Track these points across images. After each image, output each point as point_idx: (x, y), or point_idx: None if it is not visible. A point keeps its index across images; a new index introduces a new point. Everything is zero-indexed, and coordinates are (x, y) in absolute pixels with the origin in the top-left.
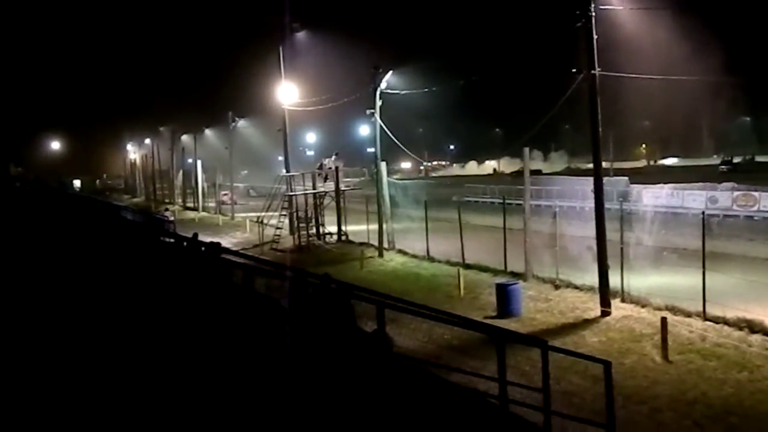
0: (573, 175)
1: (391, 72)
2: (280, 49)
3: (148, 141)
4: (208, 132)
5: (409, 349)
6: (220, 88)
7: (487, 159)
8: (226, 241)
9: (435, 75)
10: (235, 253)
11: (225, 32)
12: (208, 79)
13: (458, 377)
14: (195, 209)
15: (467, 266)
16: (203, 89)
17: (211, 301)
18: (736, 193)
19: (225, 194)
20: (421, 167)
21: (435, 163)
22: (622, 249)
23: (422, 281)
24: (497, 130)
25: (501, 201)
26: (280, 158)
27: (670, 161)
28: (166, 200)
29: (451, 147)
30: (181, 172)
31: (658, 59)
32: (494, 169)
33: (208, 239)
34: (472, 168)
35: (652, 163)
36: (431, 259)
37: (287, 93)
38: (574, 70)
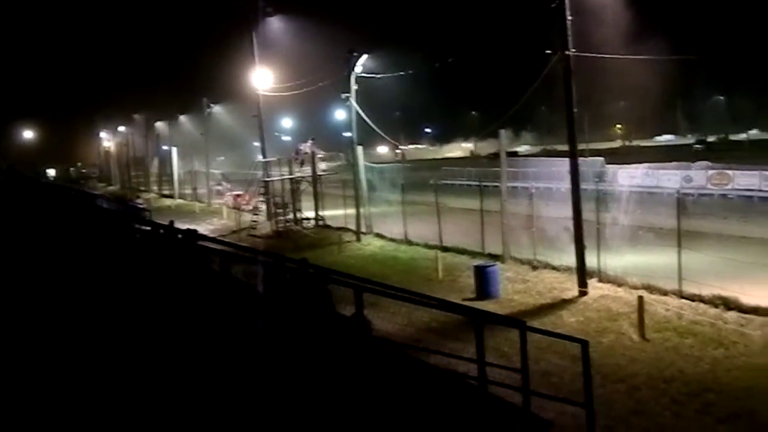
0: (549, 156)
1: (366, 56)
2: (253, 34)
3: (122, 128)
4: (183, 119)
5: (388, 333)
6: (194, 75)
7: (464, 142)
8: (203, 228)
9: (411, 58)
10: (212, 239)
11: (198, 17)
12: (182, 65)
13: (438, 359)
14: (171, 196)
15: (445, 249)
16: (177, 76)
17: (188, 287)
18: (710, 172)
19: (219, 186)
20: (397, 151)
21: (412, 146)
22: (598, 229)
23: (400, 265)
24: (473, 112)
25: (478, 183)
26: (257, 144)
27: (665, 138)
28: (142, 188)
29: (428, 130)
30: (156, 159)
31: (632, 39)
32: (471, 152)
33: (185, 226)
34: (448, 151)
35: (627, 143)
36: (409, 243)
37: (261, 78)
38: (548, 52)
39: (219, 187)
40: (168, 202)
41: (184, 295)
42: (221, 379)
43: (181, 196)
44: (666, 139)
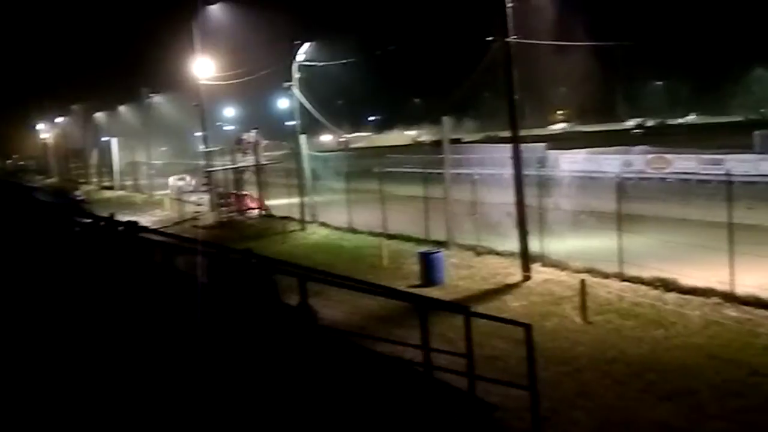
0: (492, 143)
1: (308, 44)
2: (193, 22)
3: (60, 120)
4: (122, 109)
5: (335, 321)
6: (134, 64)
7: (408, 129)
8: (145, 220)
9: (354, 46)
10: (155, 231)
11: (138, 5)
12: (122, 54)
13: (385, 347)
14: (112, 188)
15: (390, 236)
16: (117, 65)
17: (129, 280)
18: (649, 156)
19: (182, 181)
20: (341, 139)
21: (356, 134)
22: (541, 214)
23: (346, 253)
24: (417, 100)
25: (422, 171)
26: (199, 134)
27: (690, 118)
28: (81, 180)
29: (372, 118)
30: (95, 150)
31: (572, 26)
32: (414, 139)
33: (126, 218)
34: (392, 138)
35: (569, 128)
36: (354, 231)
37: (202, 67)
38: (488, 39)
39: (181, 183)
40: (108, 193)
41: (124, 288)
42: (156, 370)
43: (123, 188)
44: (606, 125)
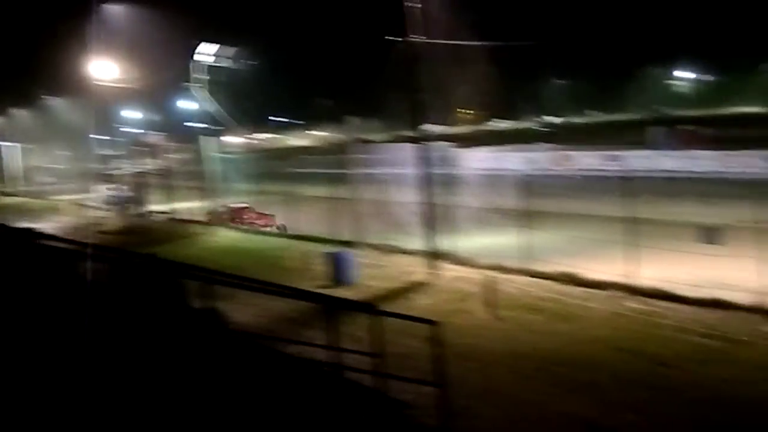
0: (400, 142)
1: (213, 46)
2: (90, 23)
3: None
4: (19, 112)
5: (243, 324)
6: (32, 67)
7: (317, 130)
8: (47, 226)
9: (262, 47)
10: (54, 237)
11: (34, 6)
12: (18, 57)
13: (295, 348)
14: (8, 194)
15: (300, 238)
16: (12, 68)
17: (23, 288)
18: (553, 154)
19: (112, 191)
20: (249, 141)
21: (266, 135)
22: (448, 213)
23: (255, 255)
24: (326, 100)
25: (331, 171)
26: (103, 137)
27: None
28: None
29: (281, 119)
30: None
31: (477, 27)
32: (323, 140)
33: (24, 225)
34: (302, 139)
35: (474, 128)
36: (264, 233)
37: (102, 69)
38: (391, 38)
39: (112, 192)
40: (7, 200)
41: (17, 296)
42: (57, 377)
43: (21, 194)
44: (509, 123)
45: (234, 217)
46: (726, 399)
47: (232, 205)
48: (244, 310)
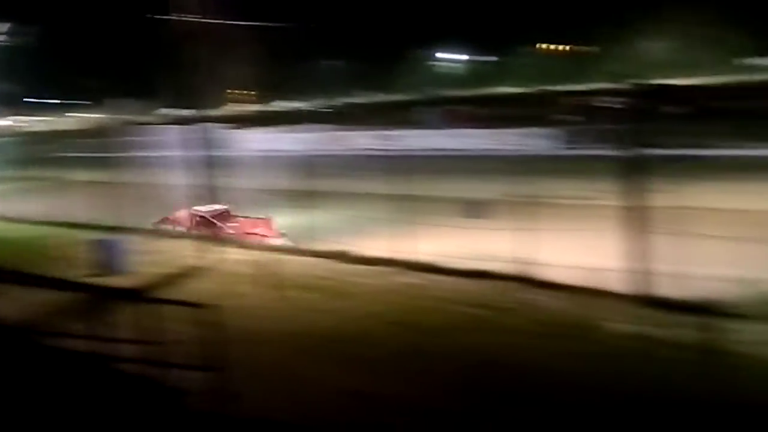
0: (173, 124)
1: None
2: None
3: None
4: None
5: (3, 318)
6: None
7: (86, 112)
8: None
9: (34, 26)
10: None
11: None
12: None
13: (72, 343)
14: None
15: (72, 225)
16: None
17: None
18: (333, 134)
19: None
20: (15, 124)
21: (31, 118)
22: (224, 195)
23: (17, 245)
24: (98, 81)
25: (102, 155)
26: None
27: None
28: None
29: (47, 101)
30: None
31: (249, 8)
32: (93, 122)
33: None
34: (69, 121)
35: (251, 109)
36: (31, 222)
37: None
38: (153, 16)
39: None
40: None
41: None
42: None
43: None
44: (287, 105)
45: (204, 227)
46: (495, 363)
47: (199, 210)
48: (6, 304)
